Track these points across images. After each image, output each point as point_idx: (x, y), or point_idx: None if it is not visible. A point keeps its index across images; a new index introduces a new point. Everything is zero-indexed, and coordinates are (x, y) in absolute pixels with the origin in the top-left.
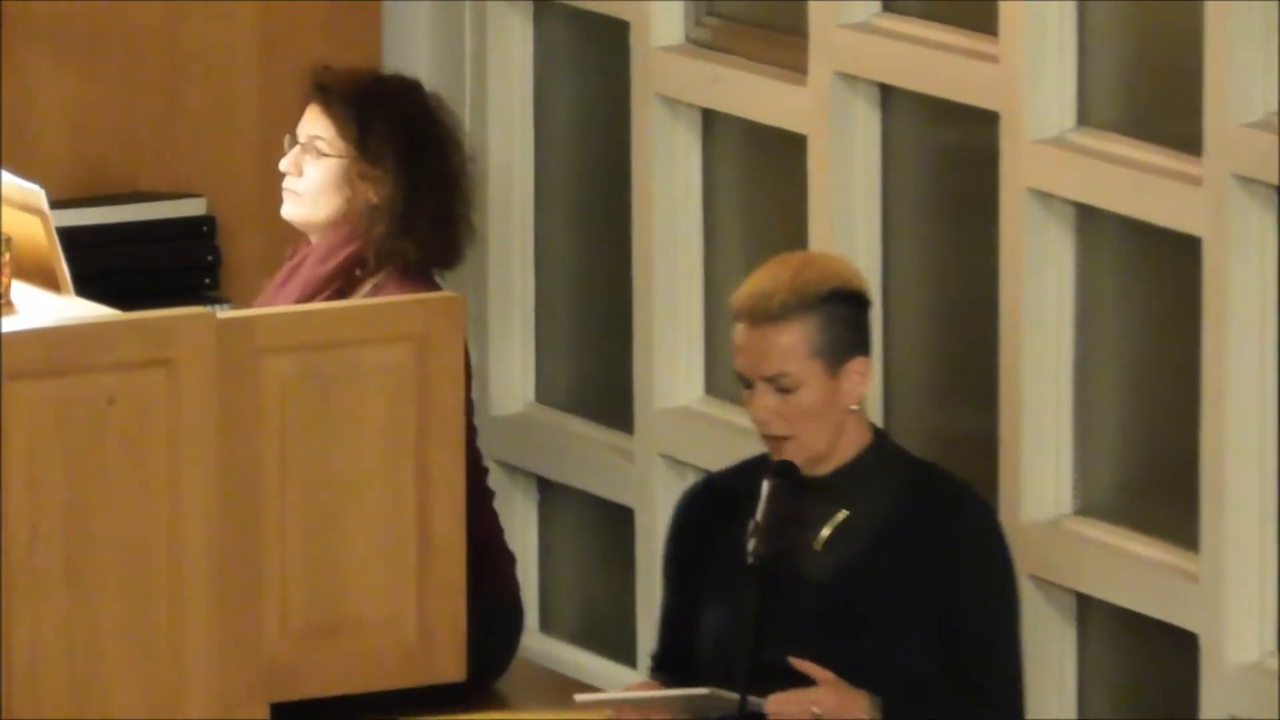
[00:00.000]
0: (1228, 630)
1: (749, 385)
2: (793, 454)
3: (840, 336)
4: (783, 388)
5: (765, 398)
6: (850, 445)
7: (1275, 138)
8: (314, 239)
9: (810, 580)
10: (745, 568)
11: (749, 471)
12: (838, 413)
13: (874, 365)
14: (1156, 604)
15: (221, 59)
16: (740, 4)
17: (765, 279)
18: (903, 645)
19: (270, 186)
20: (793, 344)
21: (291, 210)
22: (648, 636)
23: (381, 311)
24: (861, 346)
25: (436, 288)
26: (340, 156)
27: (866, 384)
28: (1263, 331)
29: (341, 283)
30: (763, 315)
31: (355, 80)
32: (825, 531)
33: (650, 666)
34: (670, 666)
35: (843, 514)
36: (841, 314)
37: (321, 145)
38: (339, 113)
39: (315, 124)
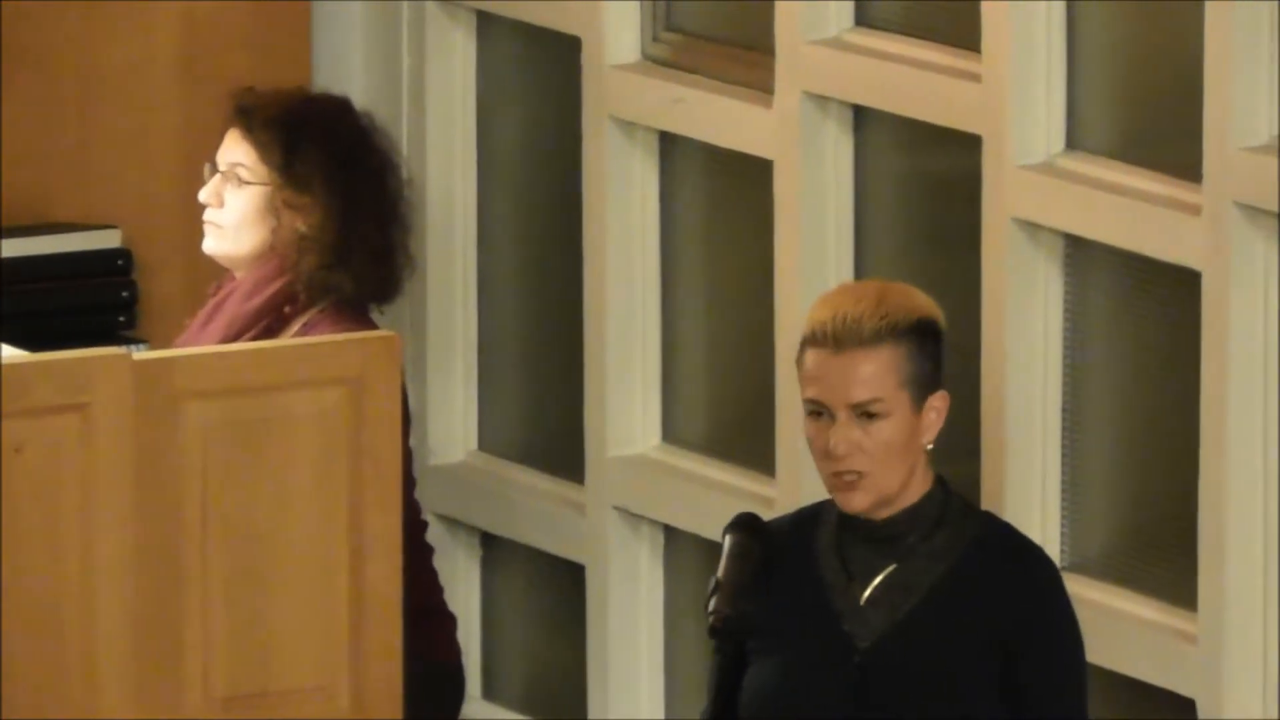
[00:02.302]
0: (1228, 696)
1: (819, 414)
2: (864, 495)
3: (925, 369)
4: (871, 415)
5: (848, 429)
6: (913, 492)
7: None
8: (239, 274)
9: (854, 641)
10: (712, 630)
11: (804, 521)
12: (915, 451)
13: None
14: (1151, 667)
15: (140, 79)
16: (702, 18)
17: (847, 304)
18: (955, 714)
19: (192, 217)
20: (884, 370)
21: (214, 244)
22: (599, 704)
23: (312, 352)
24: (940, 380)
25: (372, 325)
26: (264, 184)
27: (944, 420)
28: (1266, 374)
29: (269, 320)
30: (852, 339)
31: (279, 101)
32: (871, 587)
33: None
34: None
35: (892, 567)
36: (927, 346)
37: (243, 173)
38: (261, 137)
39: (236, 150)
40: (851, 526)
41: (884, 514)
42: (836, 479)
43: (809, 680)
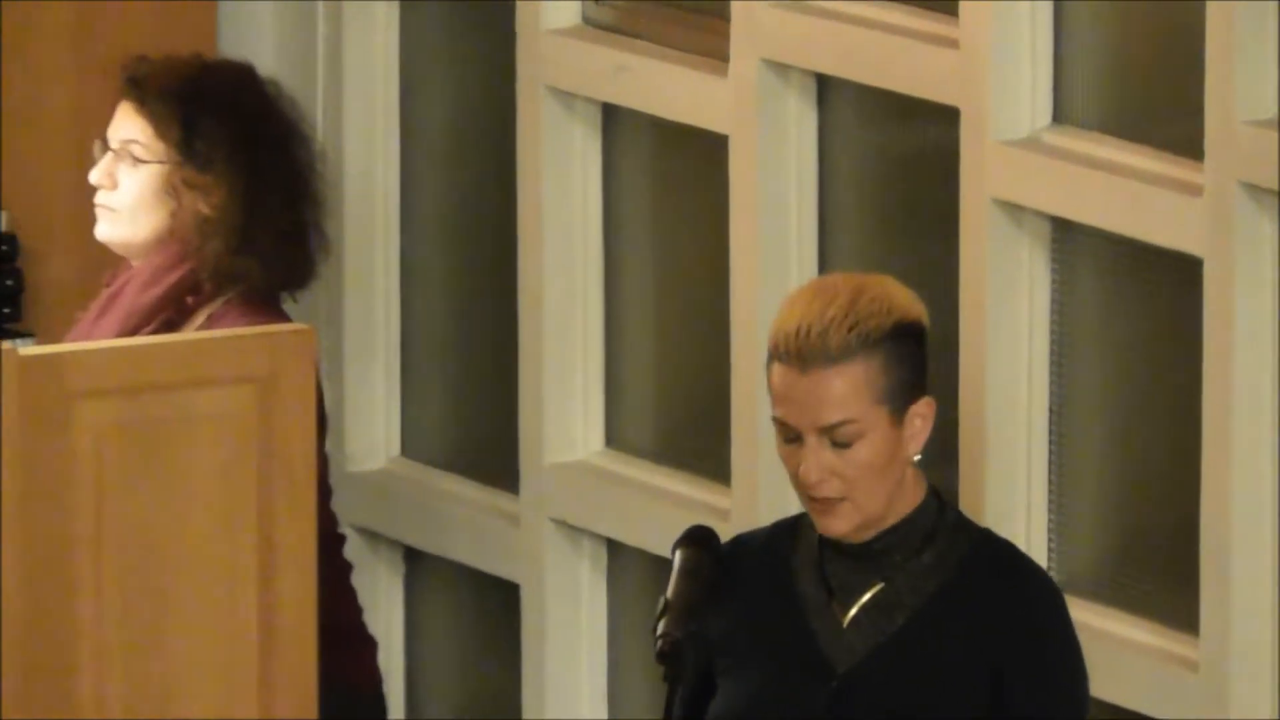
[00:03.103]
0: None
1: (791, 439)
2: (844, 520)
3: (905, 377)
4: (842, 441)
5: (820, 454)
6: (901, 505)
7: None
8: (136, 262)
9: (831, 664)
10: (660, 653)
11: (782, 534)
12: (899, 466)
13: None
14: (1149, 697)
15: (28, 50)
16: None
17: (813, 312)
18: None
19: (84, 201)
20: (855, 388)
21: (108, 230)
22: None
23: (217, 347)
24: (924, 386)
25: (284, 317)
26: (161, 162)
27: (930, 428)
28: (1275, 371)
29: (170, 312)
30: (817, 357)
31: (174, 70)
32: (855, 608)
33: None
34: None
35: (878, 587)
36: (905, 350)
37: (138, 150)
38: (156, 110)
39: (129, 125)
40: (835, 542)
41: (872, 532)
42: (813, 504)
43: (780, 706)
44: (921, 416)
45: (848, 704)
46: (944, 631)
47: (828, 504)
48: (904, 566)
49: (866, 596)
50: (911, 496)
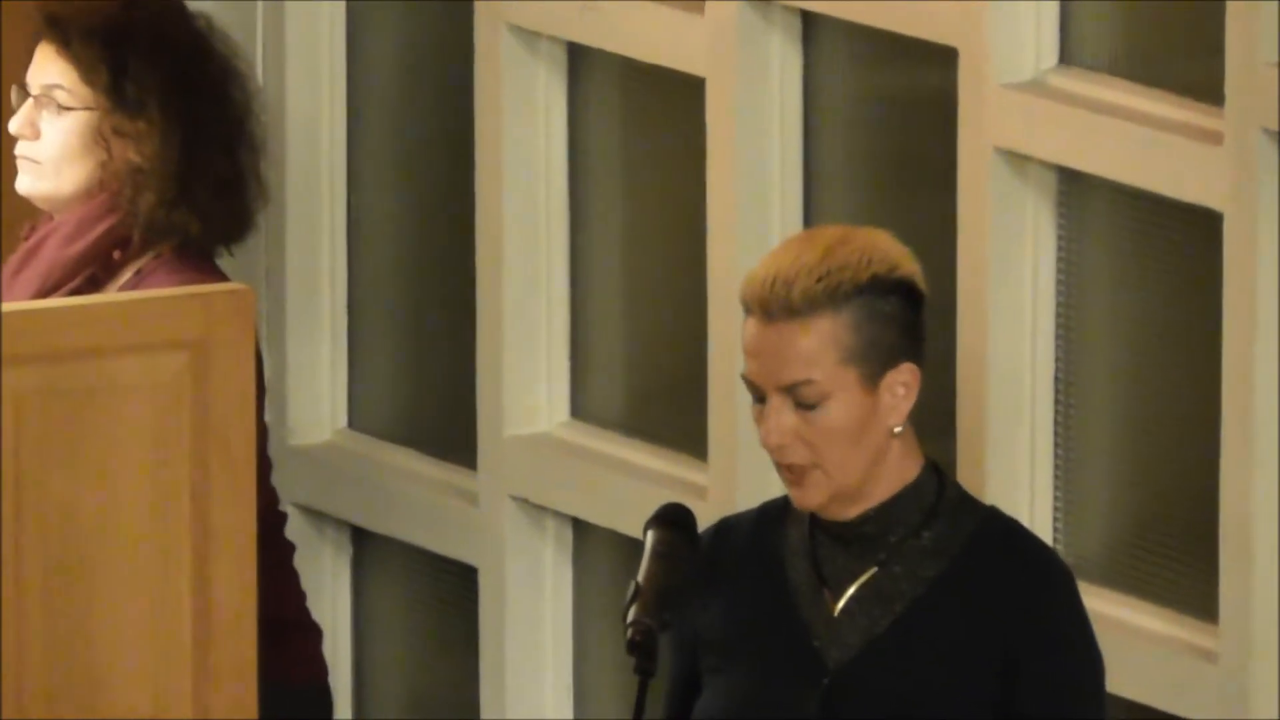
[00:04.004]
0: None
1: (760, 399)
2: (814, 491)
3: (881, 337)
4: (805, 402)
5: (781, 415)
6: (890, 480)
7: None
8: (60, 216)
9: (822, 657)
10: (631, 643)
11: (771, 516)
12: (876, 436)
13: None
14: (1164, 690)
15: None
16: None
17: (786, 261)
18: None
19: (2, 151)
20: (818, 346)
21: (30, 183)
22: None
23: (145, 309)
24: (909, 351)
25: (221, 276)
26: (88, 109)
27: (914, 398)
28: None
29: (95, 269)
30: (780, 308)
31: (98, 8)
32: (846, 596)
33: None
34: None
35: (871, 572)
36: (884, 308)
37: (62, 96)
38: (81, 52)
39: (51, 69)
40: (824, 523)
41: (857, 509)
42: (783, 473)
43: (770, 705)
44: (904, 385)
45: (842, 704)
46: (946, 621)
47: (796, 473)
48: (900, 550)
49: (858, 583)
50: (904, 471)
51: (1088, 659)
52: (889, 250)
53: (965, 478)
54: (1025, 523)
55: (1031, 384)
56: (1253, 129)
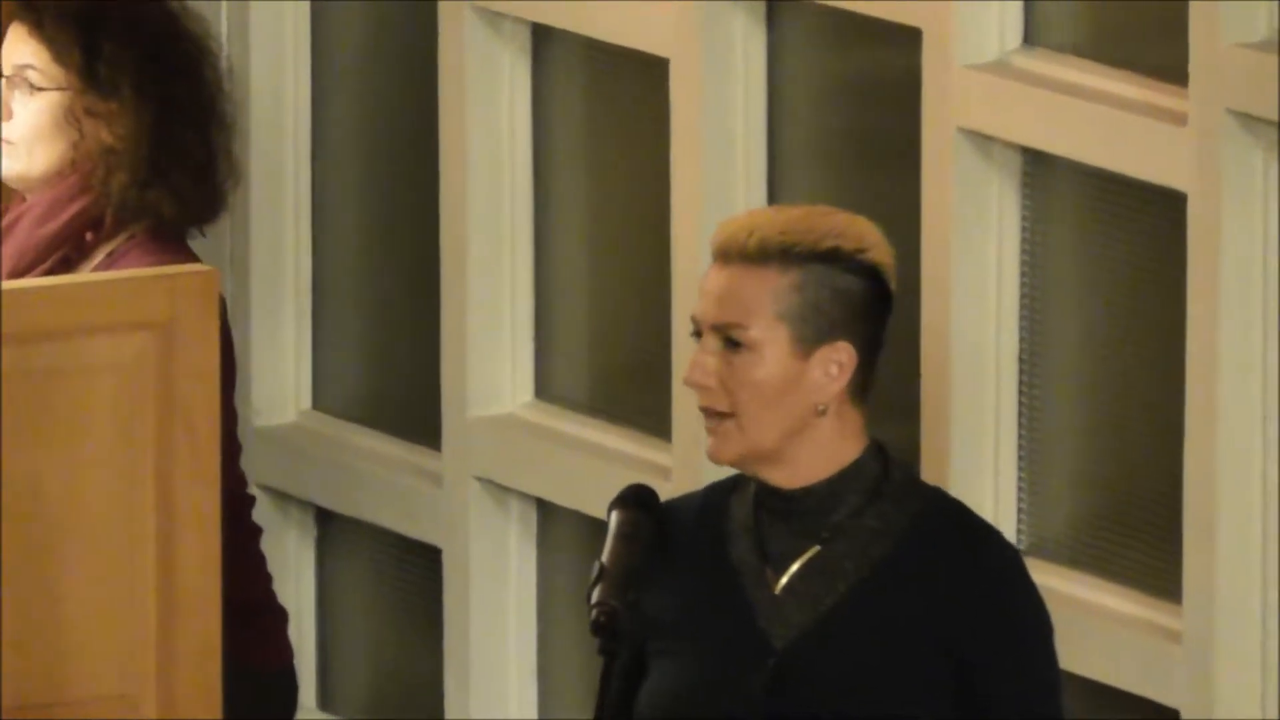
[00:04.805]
0: (1219, 705)
1: (697, 335)
2: (726, 443)
3: (825, 308)
4: (731, 341)
5: (708, 354)
6: (825, 458)
7: None
8: (32, 197)
9: (766, 638)
10: (596, 624)
11: (718, 496)
12: (797, 406)
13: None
14: (1127, 671)
15: None
16: None
17: (762, 214)
18: None
19: None
20: (758, 294)
21: (2, 164)
22: (458, 714)
23: (111, 290)
24: (853, 333)
25: (193, 256)
26: (61, 89)
27: (846, 380)
28: (1265, 315)
29: (67, 250)
30: (736, 252)
31: None
32: (789, 574)
33: None
34: None
35: (813, 550)
36: (837, 282)
37: (35, 77)
38: (54, 33)
39: (23, 49)
40: (769, 503)
41: (790, 482)
42: (705, 419)
43: (715, 686)
44: (838, 364)
45: (787, 684)
46: (893, 602)
47: (713, 421)
48: (843, 529)
49: (800, 562)
50: (843, 452)
51: (1041, 638)
52: (864, 233)
53: (929, 457)
54: (990, 501)
55: (995, 364)
56: (1216, 110)
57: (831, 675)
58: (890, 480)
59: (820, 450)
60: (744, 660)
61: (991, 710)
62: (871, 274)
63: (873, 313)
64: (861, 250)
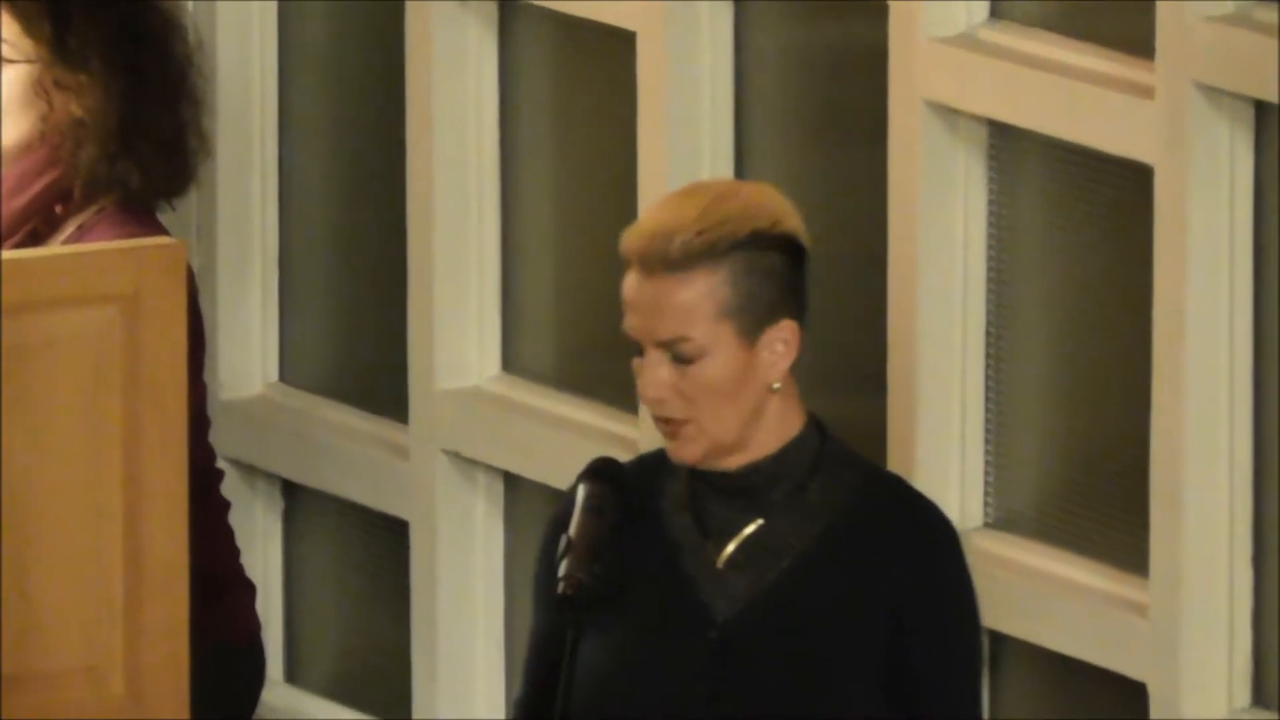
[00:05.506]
0: (1186, 679)
1: (640, 352)
2: (690, 445)
3: (761, 293)
4: (682, 357)
5: (659, 369)
6: (771, 435)
7: (1251, 35)
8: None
9: (708, 611)
10: (563, 596)
11: (650, 469)
12: (753, 393)
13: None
14: (1093, 645)
15: None
16: None
17: (667, 214)
18: (829, 700)
19: None
20: (695, 301)
21: None
22: (426, 688)
23: (76, 263)
24: (789, 307)
25: (162, 230)
26: (30, 61)
27: (794, 355)
28: (1233, 289)
29: (36, 223)
30: (659, 261)
31: None
32: (731, 546)
33: (513, 717)
34: (539, 715)
35: (756, 523)
36: (764, 264)
37: (4, 49)
38: (24, 5)
39: None
40: (705, 477)
41: (738, 462)
42: (660, 427)
43: (657, 658)
44: (783, 342)
45: (730, 656)
46: (834, 576)
47: (673, 428)
48: (785, 504)
49: (742, 536)
50: (786, 426)
51: (971, 613)
52: (772, 205)
53: (895, 430)
54: (956, 474)
55: (962, 337)
56: (1183, 83)
57: (774, 648)
58: (826, 454)
59: (771, 426)
60: (686, 632)
61: (916, 683)
62: (790, 244)
63: (798, 280)
64: (776, 224)
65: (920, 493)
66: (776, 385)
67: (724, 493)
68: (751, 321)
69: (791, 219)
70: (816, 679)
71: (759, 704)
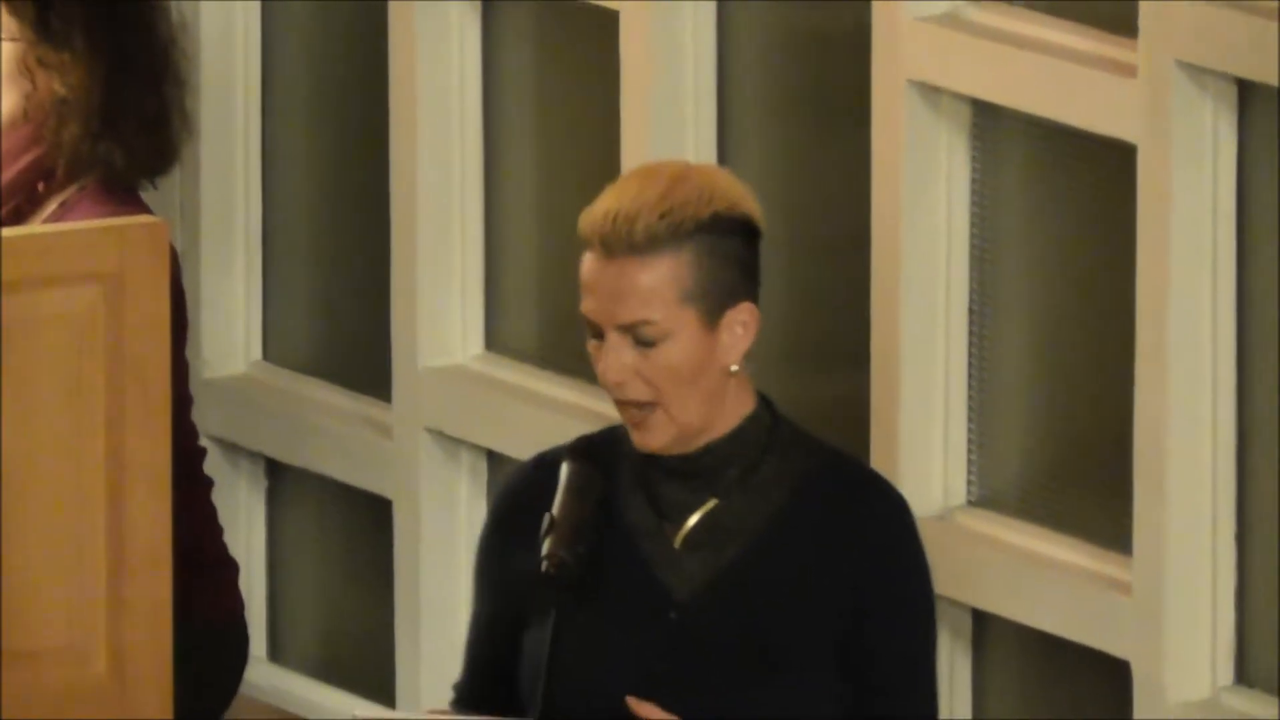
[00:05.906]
0: (1169, 657)
1: (598, 335)
2: (657, 432)
3: (722, 276)
4: (644, 340)
5: (620, 353)
6: (726, 416)
7: (1234, 13)
8: None
9: (667, 591)
10: (546, 575)
11: (599, 449)
12: (714, 375)
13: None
14: (1076, 623)
15: None
16: None
17: (627, 197)
18: (788, 679)
19: None
20: (659, 284)
21: None
22: (409, 667)
23: (59, 242)
24: (748, 289)
25: (145, 208)
26: (13, 39)
27: (752, 337)
28: (1216, 267)
29: (19, 201)
30: (622, 245)
31: None
32: (688, 526)
33: (453, 700)
34: (480, 700)
35: (711, 503)
36: (725, 247)
37: None
38: None
39: None
40: (657, 459)
41: (701, 443)
42: (625, 413)
43: (617, 639)
44: (742, 324)
45: (688, 637)
46: (792, 555)
47: (639, 414)
48: (739, 484)
49: (699, 515)
50: (740, 407)
51: (925, 592)
52: (729, 188)
53: (879, 410)
54: (939, 453)
55: (945, 316)
56: (1166, 61)
57: (732, 628)
58: (777, 434)
59: (726, 408)
60: (644, 613)
61: (873, 661)
62: (747, 227)
63: (755, 262)
64: (735, 206)
65: (875, 471)
66: (735, 367)
67: (677, 474)
68: (714, 304)
69: (747, 200)
70: (774, 657)
71: (718, 683)
